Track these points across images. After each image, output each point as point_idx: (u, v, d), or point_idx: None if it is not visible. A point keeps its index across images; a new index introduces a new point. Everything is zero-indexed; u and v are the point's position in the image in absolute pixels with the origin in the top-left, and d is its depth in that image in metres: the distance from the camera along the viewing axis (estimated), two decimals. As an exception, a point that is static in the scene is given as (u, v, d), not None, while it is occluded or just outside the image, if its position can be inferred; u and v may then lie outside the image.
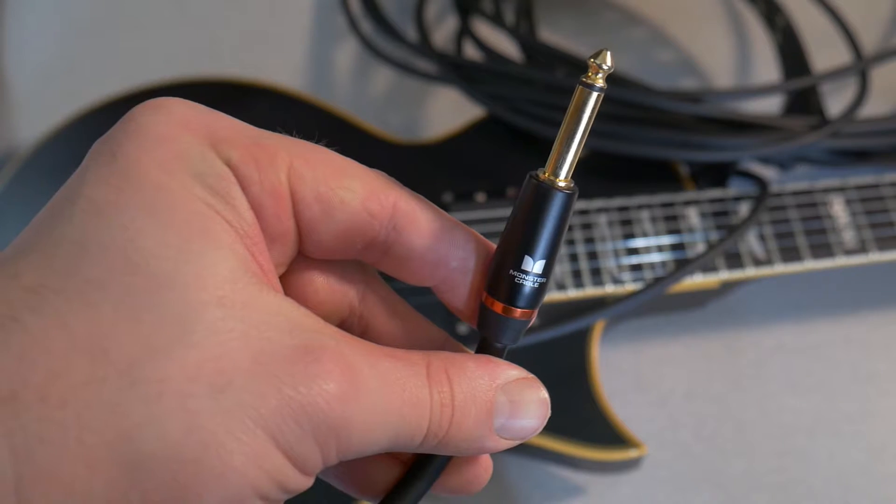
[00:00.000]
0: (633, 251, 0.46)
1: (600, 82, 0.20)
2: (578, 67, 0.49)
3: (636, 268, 0.45)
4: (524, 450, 0.44)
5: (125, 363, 0.16)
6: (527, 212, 0.21)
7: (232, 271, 0.18)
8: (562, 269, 0.45)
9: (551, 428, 0.42)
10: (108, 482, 0.16)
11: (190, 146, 0.19)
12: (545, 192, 0.21)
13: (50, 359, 0.16)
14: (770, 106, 0.54)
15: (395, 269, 0.22)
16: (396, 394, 0.19)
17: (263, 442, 0.17)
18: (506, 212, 0.46)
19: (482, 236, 0.22)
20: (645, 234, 0.46)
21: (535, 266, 0.21)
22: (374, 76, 0.61)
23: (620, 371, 0.49)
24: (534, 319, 0.22)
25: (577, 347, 0.44)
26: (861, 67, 0.48)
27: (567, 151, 0.21)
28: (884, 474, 0.46)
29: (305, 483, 0.19)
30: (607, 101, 0.46)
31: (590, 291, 0.45)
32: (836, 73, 0.48)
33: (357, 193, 0.20)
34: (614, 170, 0.49)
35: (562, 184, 0.21)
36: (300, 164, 0.20)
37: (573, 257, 0.45)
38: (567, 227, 0.21)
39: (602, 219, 0.46)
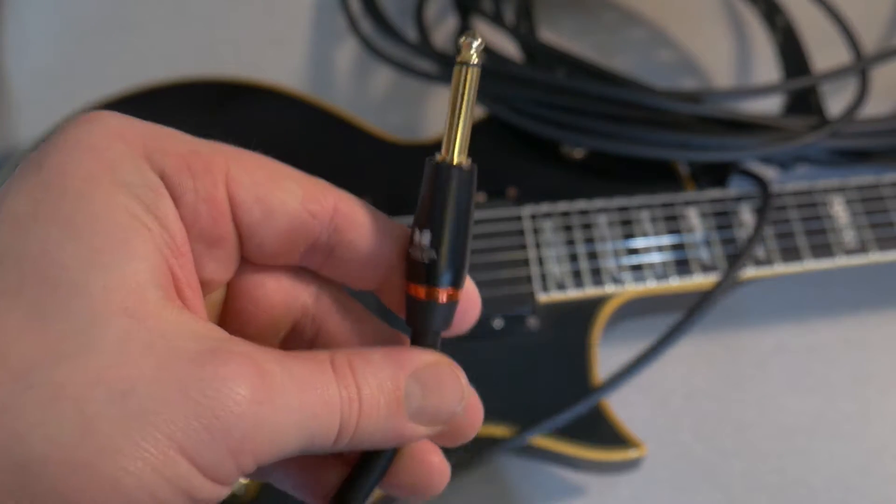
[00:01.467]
0: (634, 251, 0.46)
1: (474, 59, 0.21)
2: (578, 67, 0.49)
3: (636, 268, 0.45)
4: (524, 450, 0.44)
5: (24, 368, 0.16)
6: (422, 191, 0.21)
7: (141, 284, 0.18)
8: (561, 269, 0.45)
9: (553, 429, 0.42)
10: None
11: (120, 157, 0.19)
12: (434, 168, 0.21)
13: None
14: (770, 106, 0.54)
15: (338, 272, 0.22)
16: (308, 393, 0.19)
17: (166, 448, 0.17)
18: (506, 212, 0.46)
19: None
20: (645, 235, 0.46)
21: (423, 238, 0.21)
22: (374, 76, 0.61)
23: (620, 371, 0.49)
24: (444, 299, 0.22)
25: (577, 348, 0.44)
26: (861, 67, 0.48)
27: (455, 130, 0.21)
28: (884, 475, 0.46)
29: (219, 492, 0.18)
30: (607, 101, 0.46)
31: (590, 291, 0.45)
32: (836, 73, 0.48)
33: (296, 195, 0.21)
34: (614, 170, 0.49)
35: (454, 161, 0.21)
36: (237, 169, 0.20)
37: (573, 257, 0.45)
38: (466, 203, 0.21)
39: (602, 219, 0.46)
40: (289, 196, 0.21)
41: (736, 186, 0.49)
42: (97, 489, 0.16)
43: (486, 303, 0.44)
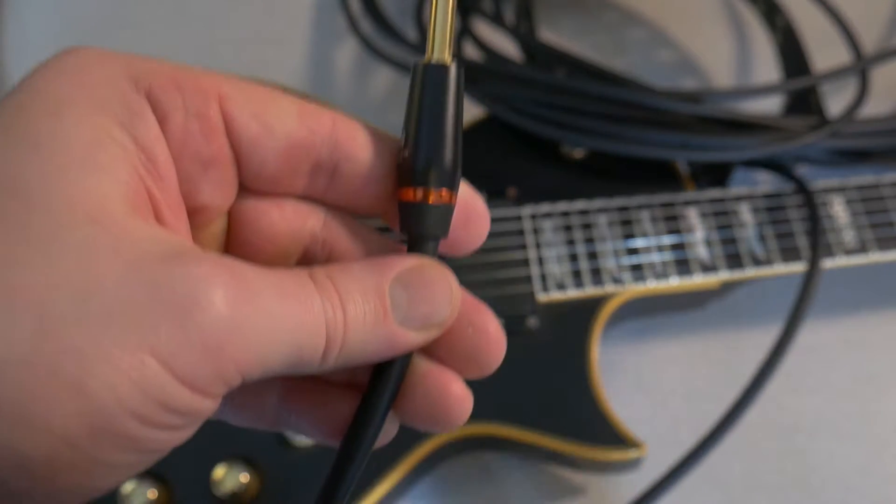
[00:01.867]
0: (634, 251, 0.46)
1: None
2: (578, 67, 0.49)
3: (636, 268, 0.45)
4: (524, 450, 0.44)
5: None
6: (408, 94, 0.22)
7: (107, 196, 0.17)
8: (561, 269, 0.45)
9: (552, 428, 0.42)
10: None
11: (98, 79, 0.18)
12: (415, 68, 0.21)
13: None
14: (770, 106, 0.54)
15: (343, 195, 0.22)
16: (289, 300, 0.18)
17: (135, 350, 0.16)
18: (506, 212, 0.46)
19: None
20: (645, 235, 0.46)
21: (403, 139, 0.21)
22: (374, 76, 0.61)
23: (620, 371, 0.49)
24: (432, 199, 0.21)
25: (577, 347, 0.44)
26: (861, 67, 0.48)
27: (431, 32, 0.21)
28: (884, 474, 0.46)
29: (200, 403, 0.17)
30: (607, 101, 0.46)
31: (590, 291, 0.45)
32: (837, 73, 0.48)
33: (292, 111, 0.20)
34: (614, 170, 0.49)
35: (428, 60, 0.21)
36: (230, 88, 0.20)
37: (573, 257, 0.45)
38: (441, 99, 0.21)
39: (602, 219, 0.46)
40: (285, 112, 0.20)
41: (736, 186, 0.49)
42: (58, 393, 0.15)
43: (487, 302, 0.44)
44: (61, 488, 0.16)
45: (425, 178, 0.21)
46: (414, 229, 0.21)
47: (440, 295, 0.20)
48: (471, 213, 0.22)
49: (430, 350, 0.21)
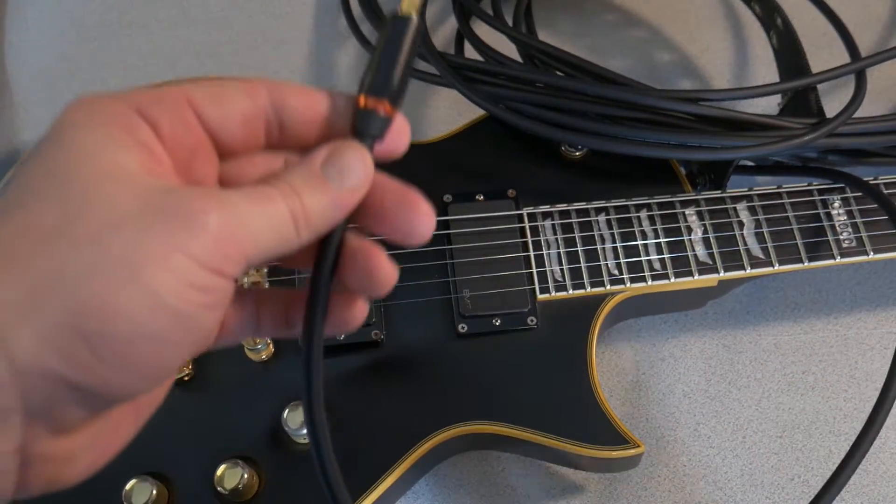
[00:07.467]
0: (632, 251, 0.46)
1: None
2: (577, 68, 0.49)
3: (635, 267, 0.45)
4: (524, 449, 0.44)
5: (50, 231, 0.22)
6: None
7: (125, 165, 0.24)
8: (561, 268, 0.45)
9: (551, 426, 0.42)
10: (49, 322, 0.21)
11: (102, 107, 0.25)
12: (388, 17, 0.28)
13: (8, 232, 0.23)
14: (768, 106, 0.54)
15: (293, 139, 0.28)
16: (260, 203, 0.24)
17: (167, 251, 0.22)
18: (506, 212, 0.47)
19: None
20: (644, 234, 0.46)
21: (368, 64, 0.28)
22: (374, 77, 0.61)
23: (620, 370, 0.50)
24: (373, 106, 0.27)
25: (576, 346, 0.44)
26: (858, 68, 0.48)
27: None
28: (882, 473, 0.47)
29: (220, 281, 0.24)
30: (606, 101, 0.46)
31: (589, 290, 0.45)
32: (834, 74, 0.48)
33: (240, 91, 0.27)
34: (613, 170, 0.49)
35: (403, 13, 0.28)
36: (194, 90, 0.26)
37: (572, 257, 0.46)
38: (399, 40, 0.27)
39: (601, 218, 0.47)
40: (235, 94, 0.27)
41: (734, 186, 0.49)
42: (119, 288, 0.22)
43: (486, 301, 0.45)
44: (134, 361, 0.22)
45: (375, 91, 0.27)
46: (356, 128, 0.27)
47: (354, 161, 0.27)
48: (399, 131, 0.28)
49: (374, 225, 0.28)
